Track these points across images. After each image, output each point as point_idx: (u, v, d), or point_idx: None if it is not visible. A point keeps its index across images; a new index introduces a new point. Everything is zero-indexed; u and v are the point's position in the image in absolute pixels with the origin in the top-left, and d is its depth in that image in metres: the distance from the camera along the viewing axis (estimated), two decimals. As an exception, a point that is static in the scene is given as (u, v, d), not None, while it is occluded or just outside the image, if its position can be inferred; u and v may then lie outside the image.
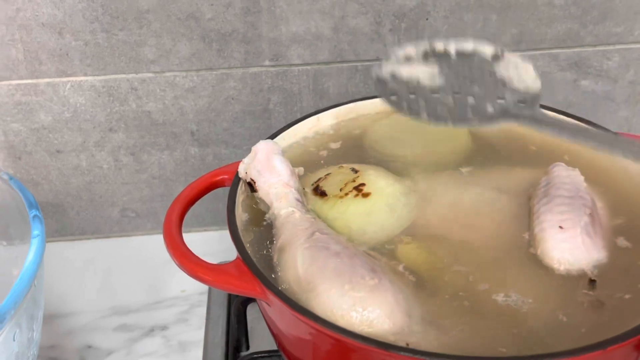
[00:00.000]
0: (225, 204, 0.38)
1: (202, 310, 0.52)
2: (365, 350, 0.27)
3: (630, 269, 0.34)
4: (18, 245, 0.43)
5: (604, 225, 0.36)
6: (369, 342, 0.27)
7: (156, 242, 0.60)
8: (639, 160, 0.31)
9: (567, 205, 0.35)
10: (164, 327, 0.51)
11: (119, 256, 0.58)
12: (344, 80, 0.55)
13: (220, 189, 0.42)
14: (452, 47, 0.39)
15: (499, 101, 0.35)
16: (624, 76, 0.56)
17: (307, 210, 0.37)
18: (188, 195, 0.37)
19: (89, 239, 0.60)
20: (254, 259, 0.33)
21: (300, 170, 0.40)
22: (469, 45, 0.39)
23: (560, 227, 0.34)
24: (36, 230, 0.37)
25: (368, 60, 0.54)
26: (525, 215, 0.37)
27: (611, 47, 0.55)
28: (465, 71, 0.38)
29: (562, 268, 0.33)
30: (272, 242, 0.36)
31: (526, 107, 0.35)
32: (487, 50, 0.38)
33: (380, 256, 0.35)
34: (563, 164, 0.39)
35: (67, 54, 0.51)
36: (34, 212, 0.39)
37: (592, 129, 0.36)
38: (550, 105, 0.43)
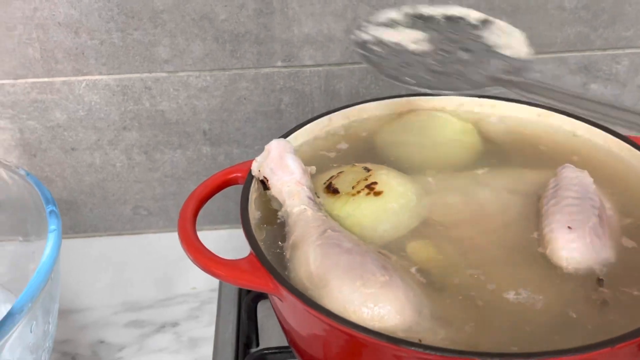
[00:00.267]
0: (236, 203, 0.39)
1: (213, 307, 0.53)
2: (378, 346, 0.28)
3: (638, 268, 0.34)
4: (34, 240, 0.44)
5: (612, 226, 0.36)
6: (383, 338, 0.27)
7: (167, 240, 0.61)
8: (631, 130, 0.30)
9: (576, 206, 0.36)
10: (174, 324, 0.52)
11: (130, 253, 0.59)
12: (355, 82, 0.55)
13: (231, 188, 0.43)
14: (438, 12, 0.38)
15: (487, 67, 0.34)
16: (633, 80, 0.57)
17: (319, 208, 0.37)
18: (202, 192, 0.38)
19: (101, 235, 0.61)
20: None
21: (312, 169, 0.41)
22: (455, 10, 0.38)
23: (569, 227, 0.35)
24: (53, 225, 0.38)
25: (379, 62, 0.54)
26: (535, 215, 0.38)
27: (620, 51, 0.55)
28: (451, 36, 0.36)
29: (570, 267, 0.34)
30: (284, 240, 0.36)
31: (515, 73, 0.34)
32: (474, 15, 0.38)
33: (390, 254, 0.35)
34: (572, 166, 0.40)
35: (83, 53, 0.52)
36: (50, 207, 0.40)
37: (584, 96, 0.33)
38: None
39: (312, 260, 0.33)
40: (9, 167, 0.44)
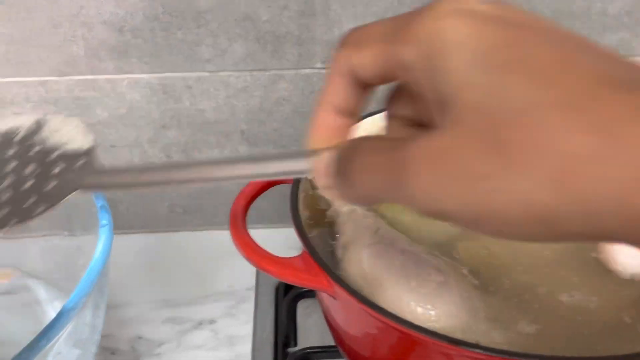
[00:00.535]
0: (278, 202, 0.39)
1: (249, 306, 0.53)
2: (436, 347, 0.28)
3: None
4: (80, 235, 0.45)
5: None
6: (444, 339, 0.27)
7: (203, 238, 0.62)
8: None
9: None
10: (211, 321, 0.52)
11: (166, 251, 0.59)
12: (393, 84, 0.55)
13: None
14: None
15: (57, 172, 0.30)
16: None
17: (368, 208, 0.37)
18: (253, 190, 0.38)
19: (137, 233, 0.61)
20: (318, 254, 0.34)
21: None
22: (4, 124, 0.34)
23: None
24: (104, 220, 0.39)
25: (419, 65, 0.54)
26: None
27: (661, 58, 0.55)
28: (11, 154, 0.32)
29: (627, 272, 0.33)
30: (333, 239, 0.37)
31: (85, 167, 0.30)
32: (28, 122, 0.33)
33: (441, 255, 0.35)
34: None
35: (126, 52, 0.53)
36: (101, 202, 0.40)
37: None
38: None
39: (365, 260, 0.33)
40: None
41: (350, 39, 0.22)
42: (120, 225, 0.61)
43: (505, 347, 0.29)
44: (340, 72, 0.22)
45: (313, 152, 0.22)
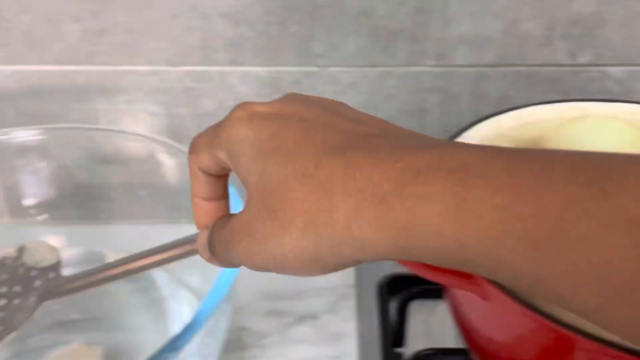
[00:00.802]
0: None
1: (350, 303, 0.53)
2: (603, 352, 0.27)
3: None
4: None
5: None
6: (620, 347, 0.26)
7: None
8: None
9: None
10: (313, 316, 0.52)
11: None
12: (506, 85, 0.54)
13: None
14: None
15: (36, 288, 0.40)
16: None
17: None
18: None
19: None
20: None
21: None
22: None
23: None
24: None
25: (534, 65, 0.53)
26: None
27: None
28: (3, 279, 0.41)
29: None
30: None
31: (55, 280, 0.40)
32: (11, 250, 0.42)
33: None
34: None
35: (241, 44, 0.53)
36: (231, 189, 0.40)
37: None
38: None
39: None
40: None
41: (193, 147, 0.28)
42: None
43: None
44: (193, 172, 0.28)
45: (194, 236, 0.29)
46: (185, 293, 0.49)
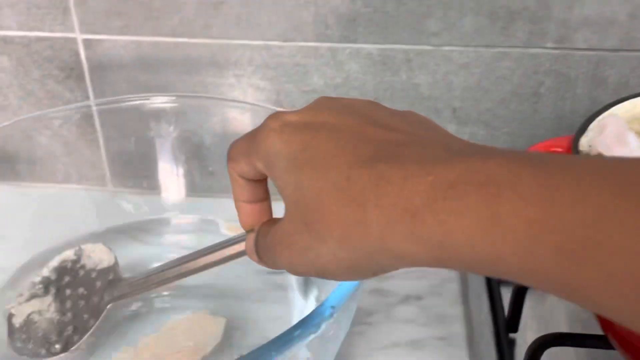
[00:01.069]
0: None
1: (454, 286, 0.52)
2: None
3: None
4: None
5: None
6: None
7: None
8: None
9: None
10: (418, 297, 0.51)
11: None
12: (627, 71, 0.52)
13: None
14: (48, 269, 0.45)
15: (99, 289, 0.43)
16: None
17: None
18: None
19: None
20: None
21: None
22: (56, 260, 0.45)
23: None
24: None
25: (661, 50, 0.51)
26: None
27: None
28: (67, 282, 0.44)
29: None
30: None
31: (114, 283, 0.43)
32: (69, 252, 0.45)
33: None
34: None
35: (354, 20, 0.53)
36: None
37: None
38: None
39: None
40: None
41: (231, 155, 0.29)
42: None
43: None
44: (233, 178, 0.29)
45: (245, 235, 0.30)
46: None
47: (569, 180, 0.18)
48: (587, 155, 0.19)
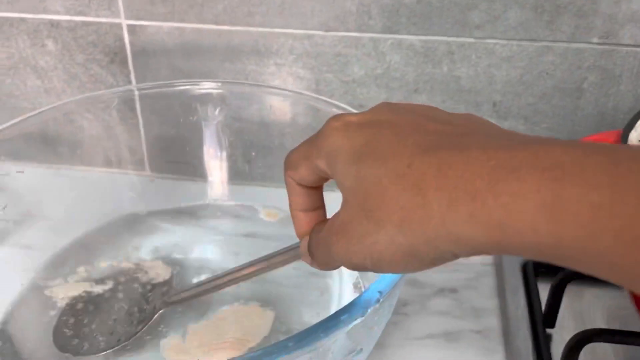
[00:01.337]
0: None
1: (489, 280, 0.52)
2: None
3: None
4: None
5: None
6: None
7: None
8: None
9: None
10: (453, 290, 0.51)
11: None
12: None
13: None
14: (103, 277, 0.48)
15: (152, 298, 0.46)
16: None
17: None
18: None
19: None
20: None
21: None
22: (112, 270, 0.48)
23: None
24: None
25: None
26: None
27: None
28: (120, 289, 0.47)
29: None
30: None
31: (167, 293, 0.46)
32: (128, 267, 0.49)
33: None
34: None
35: (397, 11, 0.53)
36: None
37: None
38: None
39: None
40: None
41: (288, 163, 0.29)
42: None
43: None
44: (291, 186, 0.30)
45: (300, 241, 0.31)
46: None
47: (635, 169, 0.18)
48: None
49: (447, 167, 0.22)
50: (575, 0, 0.50)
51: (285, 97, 0.52)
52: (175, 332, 0.44)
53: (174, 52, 0.58)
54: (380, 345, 0.46)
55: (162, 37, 0.57)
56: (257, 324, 0.43)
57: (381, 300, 0.31)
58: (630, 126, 0.38)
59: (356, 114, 0.27)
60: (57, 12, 0.58)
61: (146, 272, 0.48)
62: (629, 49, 0.51)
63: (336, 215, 0.26)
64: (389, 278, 0.31)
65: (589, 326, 0.44)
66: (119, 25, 0.57)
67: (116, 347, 0.42)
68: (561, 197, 0.19)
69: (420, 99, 0.56)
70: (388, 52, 0.55)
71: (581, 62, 0.52)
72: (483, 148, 0.21)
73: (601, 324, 0.47)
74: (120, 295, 0.46)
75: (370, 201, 0.23)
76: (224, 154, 0.55)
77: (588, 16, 0.50)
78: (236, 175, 0.56)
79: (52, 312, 0.45)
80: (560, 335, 0.46)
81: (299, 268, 0.35)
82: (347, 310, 0.29)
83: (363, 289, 0.47)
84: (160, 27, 0.57)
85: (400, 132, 0.24)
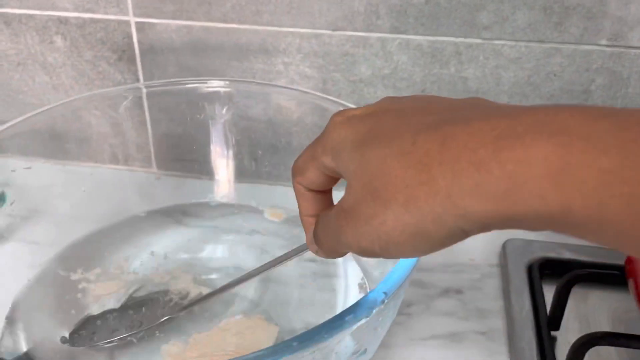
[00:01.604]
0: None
1: (494, 282, 0.52)
2: None
3: None
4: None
5: None
6: None
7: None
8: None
9: None
10: (458, 291, 0.51)
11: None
12: None
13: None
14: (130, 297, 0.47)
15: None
16: None
17: None
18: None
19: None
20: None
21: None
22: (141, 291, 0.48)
23: None
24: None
25: None
26: None
27: None
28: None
29: None
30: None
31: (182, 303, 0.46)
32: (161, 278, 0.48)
33: None
34: None
35: (406, 11, 0.53)
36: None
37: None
38: None
39: None
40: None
41: (295, 169, 0.30)
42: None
43: None
44: (300, 193, 0.30)
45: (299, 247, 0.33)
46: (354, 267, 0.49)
47: None
48: None
49: (450, 140, 0.21)
50: (584, 2, 0.50)
51: (292, 96, 0.52)
52: (178, 339, 0.44)
53: (181, 50, 0.58)
54: (384, 345, 0.46)
55: (170, 35, 0.57)
56: (260, 338, 0.43)
57: (386, 301, 0.31)
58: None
59: (359, 107, 0.27)
60: (66, 9, 0.58)
61: (175, 283, 0.48)
62: (638, 51, 0.51)
63: (342, 200, 0.26)
64: (394, 278, 0.31)
65: (593, 329, 0.44)
66: (128, 23, 0.57)
67: (114, 342, 0.42)
68: (569, 163, 0.18)
69: (427, 100, 0.56)
70: (395, 52, 0.55)
71: (589, 64, 0.52)
72: (487, 119, 0.21)
73: (606, 327, 0.47)
74: (140, 304, 0.46)
75: (376, 182, 0.23)
76: (231, 152, 0.56)
77: (597, 18, 0.50)
78: (242, 174, 0.56)
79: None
80: (565, 338, 0.46)
81: (304, 267, 0.35)
82: (352, 311, 0.30)
83: (368, 290, 0.47)
84: (168, 24, 0.57)
85: (404, 116, 0.24)
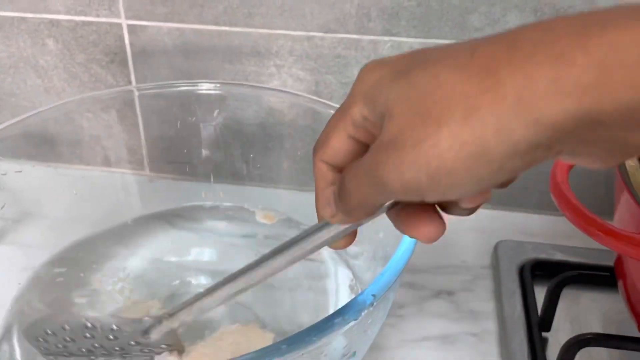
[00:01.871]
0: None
1: (487, 283, 0.52)
2: None
3: None
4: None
5: None
6: None
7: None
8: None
9: None
10: (450, 293, 0.52)
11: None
12: None
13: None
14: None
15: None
16: None
17: None
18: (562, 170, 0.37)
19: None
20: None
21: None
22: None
23: None
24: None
25: None
26: None
27: None
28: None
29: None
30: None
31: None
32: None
33: None
34: None
35: (397, 14, 0.53)
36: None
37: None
38: None
39: None
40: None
41: (317, 144, 0.26)
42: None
43: None
44: (319, 169, 0.26)
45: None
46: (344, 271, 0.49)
47: None
48: None
49: (522, 39, 0.19)
50: (575, 4, 0.50)
51: (284, 99, 0.52)
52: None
53: (173, 52, 0.58)
54: (376, 347, 0.46)
55: (162, 38, 0.57)
56: (256, 346, 0.42)
57: (375, 303, 0.31)
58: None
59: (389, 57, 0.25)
60: (58, 12, 0.58)
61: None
62: (628, 53, 0.51)
63: (380, 137, 0.22)
64: (383, 281, 0.31)
65: (584, 330, 0.44)
66: (119, 26, 0.57)
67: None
68: None
69: (419, 102, 0.56)
70: (387, 54, 0.55)
71: (580, 66, 0.52)
72: (566, 18, 0.19)
73: (597, 328, 0.47)
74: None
75: (427, 100, 0.20)
76: (223, 154, 0.56)
77: (587, 20, 0.50)
78: (234, 176, 0.56)
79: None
80: (556, 339, 0.46)
81: (295, 270, 0.35)
82: (341, 313, 0.30)
83: (359, 291, 0.47)
84: (160, 27, 0.57)
85: (448, 46, 0.22)
